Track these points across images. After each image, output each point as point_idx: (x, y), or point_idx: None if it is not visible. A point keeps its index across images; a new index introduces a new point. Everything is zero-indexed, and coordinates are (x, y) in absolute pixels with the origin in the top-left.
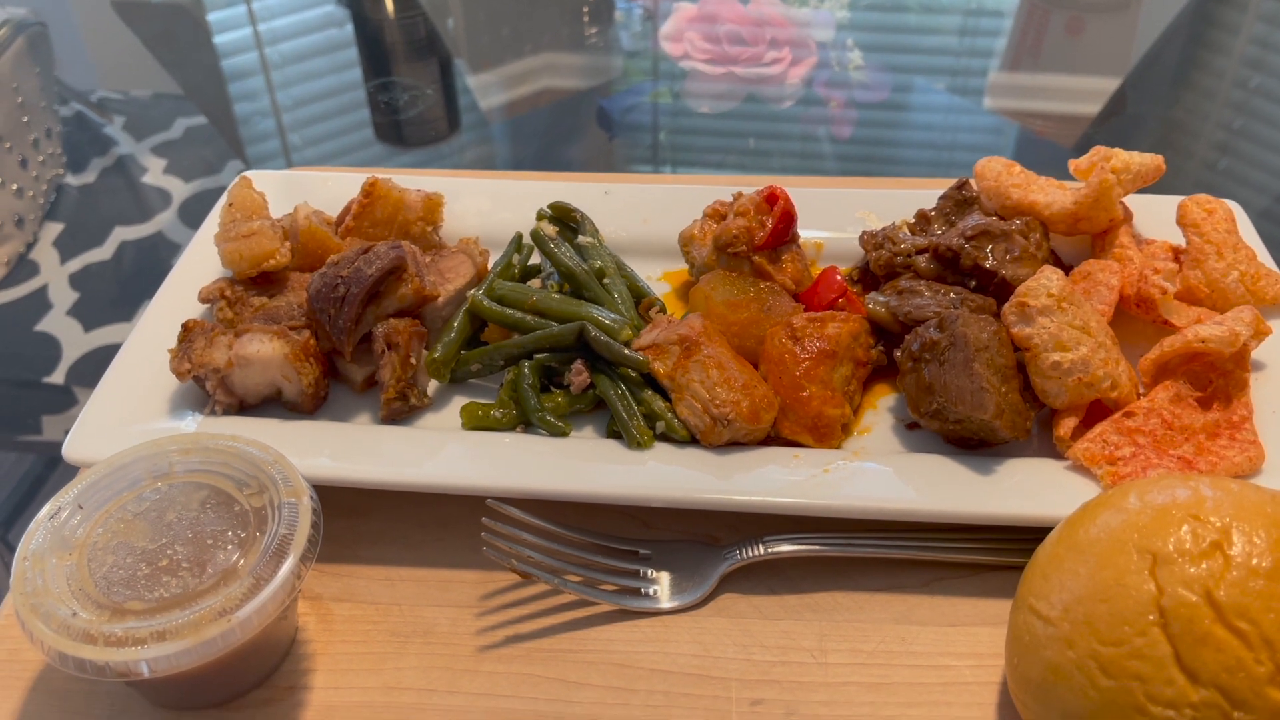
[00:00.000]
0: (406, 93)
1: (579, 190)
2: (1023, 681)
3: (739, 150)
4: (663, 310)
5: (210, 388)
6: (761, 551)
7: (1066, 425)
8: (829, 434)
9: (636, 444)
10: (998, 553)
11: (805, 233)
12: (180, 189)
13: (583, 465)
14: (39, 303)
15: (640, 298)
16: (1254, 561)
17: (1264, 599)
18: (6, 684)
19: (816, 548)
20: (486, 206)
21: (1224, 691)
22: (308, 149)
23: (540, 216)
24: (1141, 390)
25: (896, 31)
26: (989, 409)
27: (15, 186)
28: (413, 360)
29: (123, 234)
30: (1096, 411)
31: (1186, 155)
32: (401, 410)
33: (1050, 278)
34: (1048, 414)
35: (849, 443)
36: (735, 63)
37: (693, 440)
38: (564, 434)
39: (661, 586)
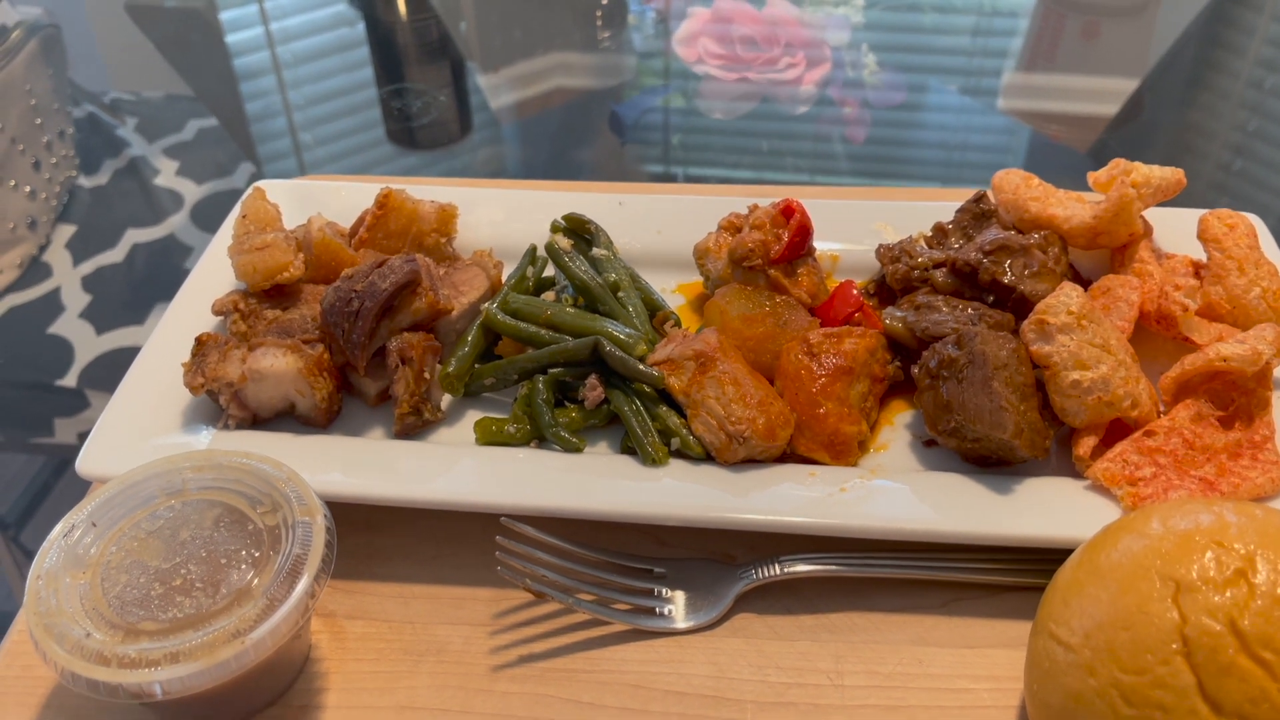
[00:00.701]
0: (419, 97)
1: (593, 201)
2: (1042, 708)
3: (753, 155)
4: (677, 324)
5: (224, 402)
6: (777, 571)
7: (1086, 444)
8: (846, 451)
9: (651, 461)
10: (1016, 573)
11: (821, 245)
12: (192, 191)
13: (597, 482)
14: (51, 305)
15: (655, 311)
16: (1279, 590)
17: None
18: (20, 700)
19: (833, 568)
20: (500, 217)
21: None
22: (319, 148)
23: (554, 229)
24: (1162, 409)
25: (911, 33)
26: (1008, 428)
27: (28, 188)
28: (426, 375)
29: (135, 236)
30: (1116, 430)
31: (1202, 157)
32: (415, 425)
33: (1070, 295)
34: (1066, 432)
35: (866, 460)
36: (749, 67)
37: (708, 457)
38: (578, 450)
39: (676, 606)
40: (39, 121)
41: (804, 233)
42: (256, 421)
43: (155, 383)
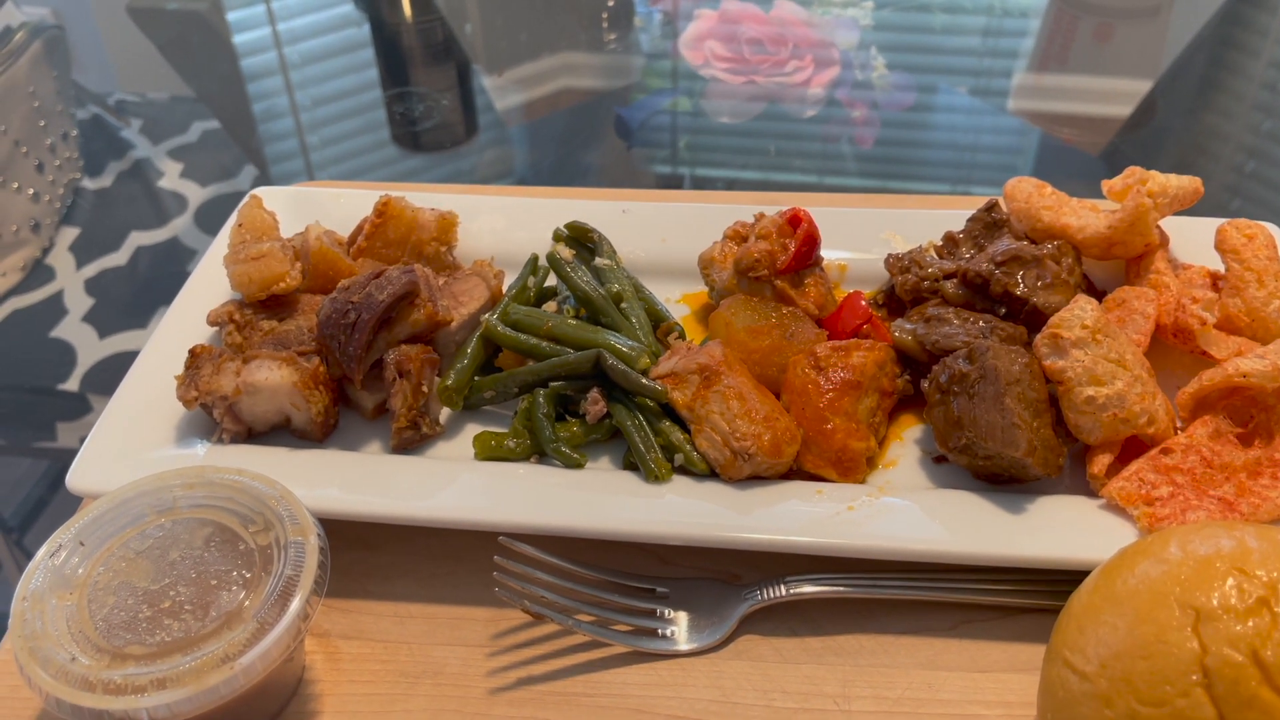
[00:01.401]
0: (423, 100)
1: (596, 209)
2: None
3: (760, 161)
4: (681, 336)
5: (218, 415)
6: (783, 592)
7: (1101, 462)
8: (853, 468)
9: (654, 477)
10: (1028, 595)
11: (829, 254)
12: (197, 194)
13: (598, 499)
14: (54, 309)
15: (659, 322)
16: None
17: None
18: None
19: (840, 588)
20: (502, 225)
21: None
22: (326, 148)
23: (557, 238)
24: (1179, 425)
25: (921, 34)
26: (1020, 446)
27: (32, 191)
28: (424, 388)
29: (139, 239)
30: (1132, 447)
31: (1215, 160)
32: (413, 440)
33: (1085, 308)
34: (1081, 449)
35: (874, 477)
36: (756, 71)
37: (712, 474)
38: (579, 465)
39: (679, 627)
40: (43, 124)
41: (811, 242)
42: (251, 435)
43: (149, 396)
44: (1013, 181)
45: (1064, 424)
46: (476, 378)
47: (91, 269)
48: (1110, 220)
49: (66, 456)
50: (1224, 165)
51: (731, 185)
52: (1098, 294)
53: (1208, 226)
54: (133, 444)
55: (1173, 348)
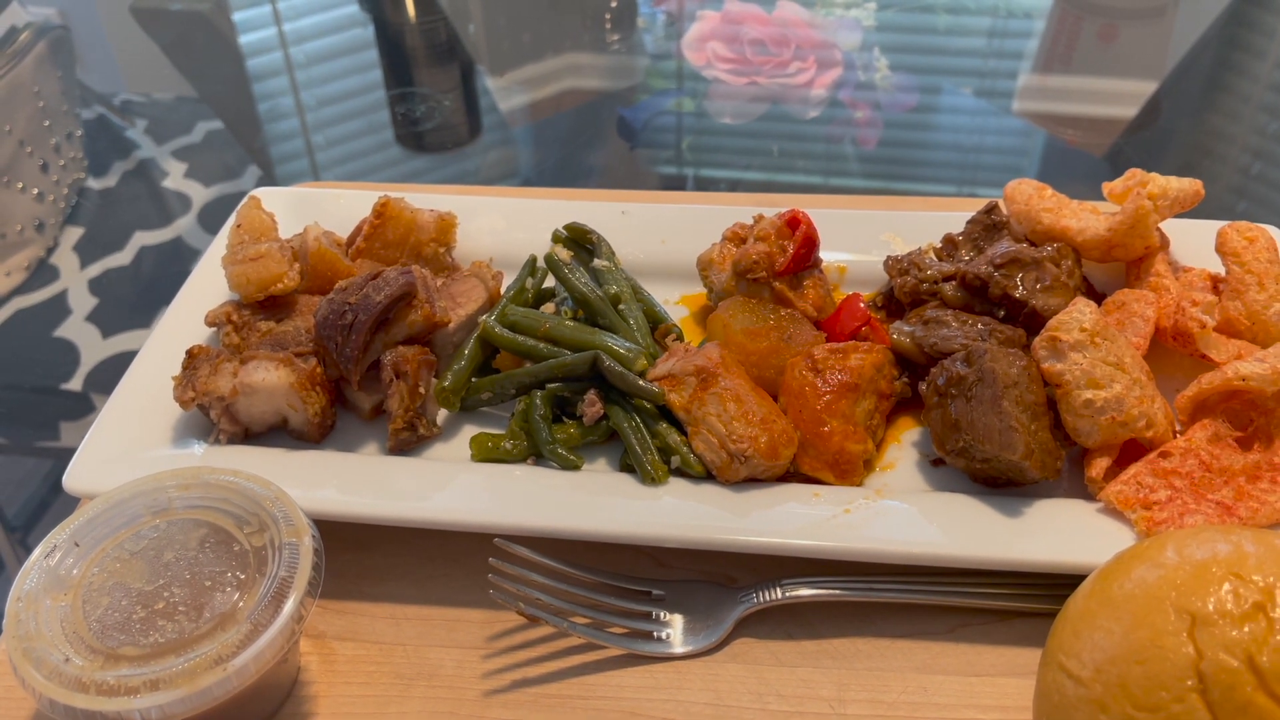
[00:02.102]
0: (427, 100)
1: (596, 210)
2: None
3: (763, 162)
4: (679, 338)
5: (215, 416)
6: (779, 595)
7: (1099, 466)
8: (851, 471)
9: (650, 479)
10: (1026, 599)
11: (828, 255)
12: (200, 194)
13: (595, 502)
14: (58, 308)
15: (657, 324)
16: None
17: None
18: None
19: (836, 591)
20: (501, 226)
21: None
22: (331, 149)
23: (555, 239)
24: (1178, 428)
25: (924, 35)
26: (1018, 449)
27: (36, 191)
28: (421, 389)
29: (142, 239)
30: (1131, 450)
31: (1220, 161)
32: (410, 441)
33: (1083, 311)
34: (1079, 452)
35: (871, 479)
36: (759, 72)
37: (709, 476)
38: (576, 467)
39: (674, 630)
40: (47, 124)
41: (810, 244)
42: (249, 435)
43: (146, 396)
44: (1012, 184)
45: (1062, 427)
46: (474, 379)
47: (95, 269)
48: (1110, 223)
49: (69, 456)
50: (1229, 167)
51: (734, 186)
52: (1097, 296)
53: (1208, 229)
54: (130, 445)
55: (1172, 351)
